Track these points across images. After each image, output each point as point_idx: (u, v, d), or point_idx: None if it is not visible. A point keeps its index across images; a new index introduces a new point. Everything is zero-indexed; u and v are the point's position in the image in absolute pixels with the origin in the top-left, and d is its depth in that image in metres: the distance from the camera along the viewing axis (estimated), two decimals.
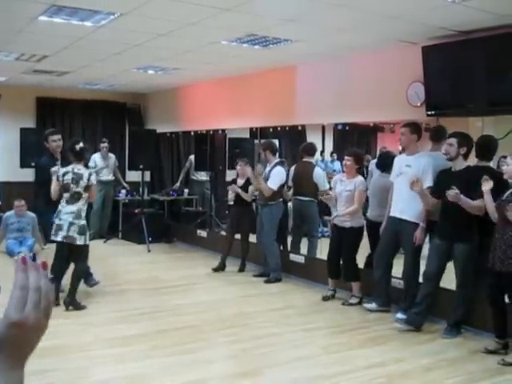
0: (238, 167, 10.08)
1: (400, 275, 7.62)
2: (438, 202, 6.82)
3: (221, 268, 10.13)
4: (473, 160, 6.92)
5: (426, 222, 7.21)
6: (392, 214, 7.53)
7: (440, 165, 7.07)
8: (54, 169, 7.79)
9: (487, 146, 6.93)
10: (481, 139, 7.01)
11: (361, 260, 8.44)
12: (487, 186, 6.10)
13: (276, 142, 9.90)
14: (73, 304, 7.58)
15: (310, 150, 9.78)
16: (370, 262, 8.36)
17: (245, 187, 9.91)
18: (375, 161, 9.28)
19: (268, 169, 9.48)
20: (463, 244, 6.59)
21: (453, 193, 6.30)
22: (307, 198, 9.38)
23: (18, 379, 1.17)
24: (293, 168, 9.89)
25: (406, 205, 7.30)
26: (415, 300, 7.02)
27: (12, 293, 1.17)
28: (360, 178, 8.17)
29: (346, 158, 8.25)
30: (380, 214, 8.12)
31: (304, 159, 9.79)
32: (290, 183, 9.76)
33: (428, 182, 7.09)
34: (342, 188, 8.17)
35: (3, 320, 1.15)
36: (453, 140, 6.67)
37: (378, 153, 11.08)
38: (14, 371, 1.17)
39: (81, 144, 7.80)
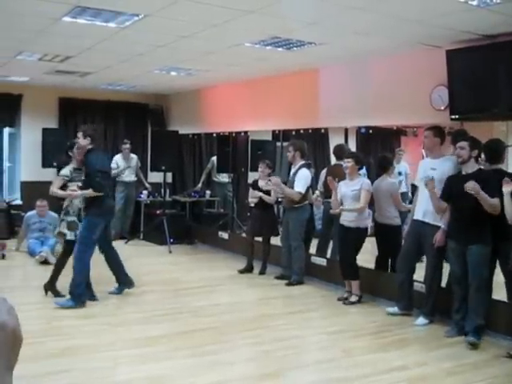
0: (259, 169, 10.10)
1: (421, 279, 7.58)
2: (447, 206, 6.84)
3: (248, 270, 10.18)
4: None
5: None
6: (415, 217, 7.52)
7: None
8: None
9: (495, 149, 6.99)
10: (488, 143, 7.05)
11: (365, 259, 8.58)
12: (508, 187, 6.08)
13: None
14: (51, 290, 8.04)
15: (339, 152, 9.72)
16: (380, 264, 8.55)
17: (267, 190, 9.89)
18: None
19: (293, 170, 9.45)
20: (477, 246, 6.56)
21: (472, 184, 6.31)
22: None
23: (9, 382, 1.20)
24: (324, 171, 9.87)
25: (428, 208, 7.28)
26: (454, 307, 6.96)
27: None
28: (365, 179, 8.38)
29: (345, 160, 8.42)
30: (383, 215, 8.38)
31: (335, 162, 9.78)
32: (321, 187, 9.72)
33: None
34: (346, 189, 8.27)
35: None
36: (464, 143, 6.68)
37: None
38: (6, 374, 1.20)
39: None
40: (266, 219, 10.05)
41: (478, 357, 6.21)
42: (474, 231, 6.57)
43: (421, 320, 7.34)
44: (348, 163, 8.27)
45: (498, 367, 5.93)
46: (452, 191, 6.71)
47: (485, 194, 6.36)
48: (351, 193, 8.21)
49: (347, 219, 8.26)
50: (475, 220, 6.51)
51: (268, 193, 9.89)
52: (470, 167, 6.69)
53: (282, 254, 9.75)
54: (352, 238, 8.23)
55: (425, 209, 7.35)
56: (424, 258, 7.64)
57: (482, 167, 6.86)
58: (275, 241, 10.16)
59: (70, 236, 7.90)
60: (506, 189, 6.13)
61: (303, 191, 9.22)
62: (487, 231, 6.56)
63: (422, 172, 7.55)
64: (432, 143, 7.44)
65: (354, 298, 8.24)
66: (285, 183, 9.65)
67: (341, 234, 8.45)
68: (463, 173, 6.76)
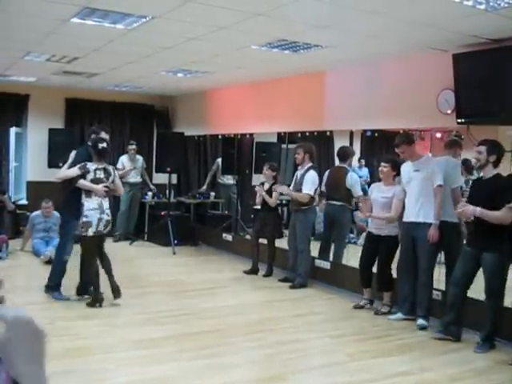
0: (264, 171, 10.13)
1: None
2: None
3: (253, 271, 10.23)
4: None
5: (440, 227, 7.28)
6: (405, 219, 7.60)
7: (451, 163, 7.54)
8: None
9: None
10: None
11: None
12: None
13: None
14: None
15: (343, 154, 9.72)
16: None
17: (269, 192, 9.96)
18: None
19: (300, 172, 9.44)
20: (492, 253, 6.46)
21: (460, 209, 6.45)
22: (340, 203, 9.34)
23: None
24: (327, 173, 9.86)
25: (418, 208, 7.43)
26: (446, 309, 6.94)
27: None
28: (399, 186, 7.94)
29: (382, 164, 8.02)
30: None
31: (338, 164, 9.78)
32: (323, 188, 9.70)
33: (438, 181, 7.32)
34: (378, 194, 8.01)
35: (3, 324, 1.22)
36: (482, 148, 6.58)
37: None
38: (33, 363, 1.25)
39: (104, 144, 7.85)
40: (268, 221, 10.08)
41: (484, 363, 6.20)
42: (491, 237, 6.46)
43: (420, 322, 7.38)
44: (384, 168, 7.95)
45: (503, 374, 5.91)
46: (471, 195, 6.67)
47: (484, 211, 6.34)
48: (382, 200, 7.93)
49: (376, 226, 8.03)
50: (492, 226, 6.38)
51: (270, 194, 9.93)
52: (488, 172, 6.60)
53: (288, 256, 9.72)
54: (383, 247, 7.97)
55: (415, 210, 7.48)
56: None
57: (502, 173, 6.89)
58: (281, 244, 10.15)
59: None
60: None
61: (312, 193, 9.21)
62: (504, 239, 6.46)
63: (406, 176, 7.69)
64: (410, 152, 7.63)
65: (385, 309, 7.97)
66: (288, 185, 9.68)
67: (369, 242, 8.20)
68: (483, 178, 6.72)
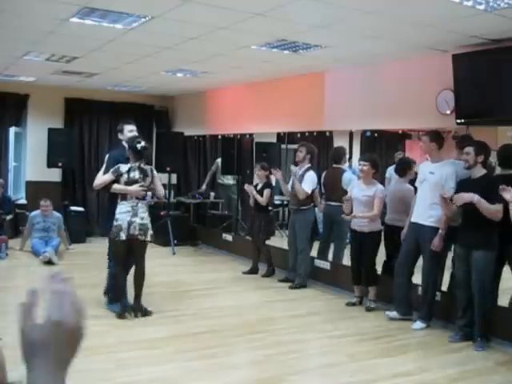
0: (255, 171, 10.17)
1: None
2: (458, 209, 6.80)
3: (253, 271, 10.30)
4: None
5: (447, 228, 7.18)
6: (413, 220, 7.53)
7: (461, 173, 7.17)
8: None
9: (506, 155, 7.04)
10: (502, 148, 7.17)
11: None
12: (507, 194, 6.05)
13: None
14: (141, 309, 7.57)
15: (336, 156, 9.70)
16: (387, 269, 8.36)
17: (261, 191, 10.04)
18: (393, 167, 9.30)
19: (299, 172, 9.41)
20: (482, 251, 6.53)
21: (465, 196, 6.38)
22: (338, 204, 9.32)
23: (59, 383, 1.18)
24: (324, 174, 9.87)
25: (427, 211, 7.34)
26: (458, 313, 6.93)
27: (47, 298, 1.18)
28: (379, 185, 8.15)
29: (361, 163, 8.17)
30: (395, 218, 8.16)
31: (334, 165, 9.77)
32: (322, 189, 9.71)
33: (451, 190, 7.12)
34: (359, 193, 8.09)
35: (44, 322, 1.17)
36: (469, 149, 6.68)
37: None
38: (55, 374, 1.18)
39: (142, 143, 7.52)
40: (257, 221, 10.14)
41: (483, 363, 6.20)
42: (480, 236, 6.54)
43: (418, 324, 7.35)
44: (364, 166, 8.06)
45: (502, 374, 5.92)
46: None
47: (484, 202, 6.36)
48: (363, 198, 8.03)
49: (359, 223, 8.12)
50: (481, 225, 6.47)
51: (262, 194, 10.01)
52: (477, 172, 6.69)
53: (288, 256, 9.72)
54: (367, 243, 8.07)
55: (423, 212, 7.39)
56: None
57: (498, 171, 6.98)
58: (281, 244, 10.14)
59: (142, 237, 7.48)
60: (506, 196, 6.11)
61: (309, 191, 9.20)
62: (494, 236, 6.52)
63: (421, 175, 7.60)
64: (429, 148, 7.47)
65: (373, 304, 8.07)
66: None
67: (354, 240, 8.33)
68: (472, 178, 6.78)
